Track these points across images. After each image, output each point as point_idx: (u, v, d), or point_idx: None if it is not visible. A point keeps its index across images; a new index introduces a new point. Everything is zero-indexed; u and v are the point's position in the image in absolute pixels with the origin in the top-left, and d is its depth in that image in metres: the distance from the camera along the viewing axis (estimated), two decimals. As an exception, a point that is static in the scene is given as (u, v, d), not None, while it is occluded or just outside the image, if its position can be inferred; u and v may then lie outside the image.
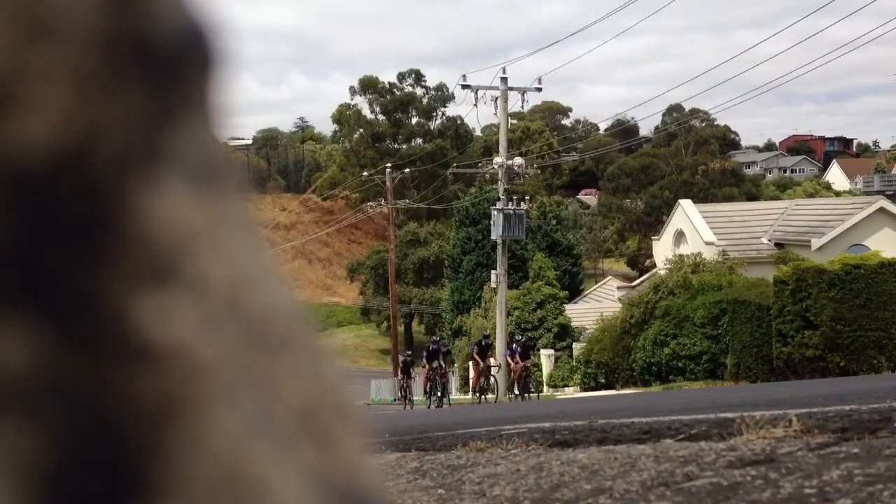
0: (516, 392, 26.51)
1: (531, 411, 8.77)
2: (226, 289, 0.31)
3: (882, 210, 28.75)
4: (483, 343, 27.92)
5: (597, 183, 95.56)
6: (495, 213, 29.64)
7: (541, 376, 30.60)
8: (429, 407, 26.80)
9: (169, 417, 0.29)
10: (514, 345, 27.37)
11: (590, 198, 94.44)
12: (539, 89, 30.62)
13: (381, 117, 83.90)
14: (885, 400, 4.41)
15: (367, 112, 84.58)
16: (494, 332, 29.77)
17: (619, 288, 38.02)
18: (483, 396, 26.99)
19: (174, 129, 0.31)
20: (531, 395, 26.11)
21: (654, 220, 68.22)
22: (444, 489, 3.18)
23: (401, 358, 34.04)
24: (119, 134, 0.30)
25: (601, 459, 3.09)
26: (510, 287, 33.09)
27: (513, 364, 26.91)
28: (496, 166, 30.54)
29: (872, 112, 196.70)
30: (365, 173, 59.82)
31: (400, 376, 32.37)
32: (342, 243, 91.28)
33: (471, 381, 28.32)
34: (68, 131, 0.29)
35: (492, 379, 27.16)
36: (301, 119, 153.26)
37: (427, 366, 27.86)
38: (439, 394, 27.60)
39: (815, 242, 27.96)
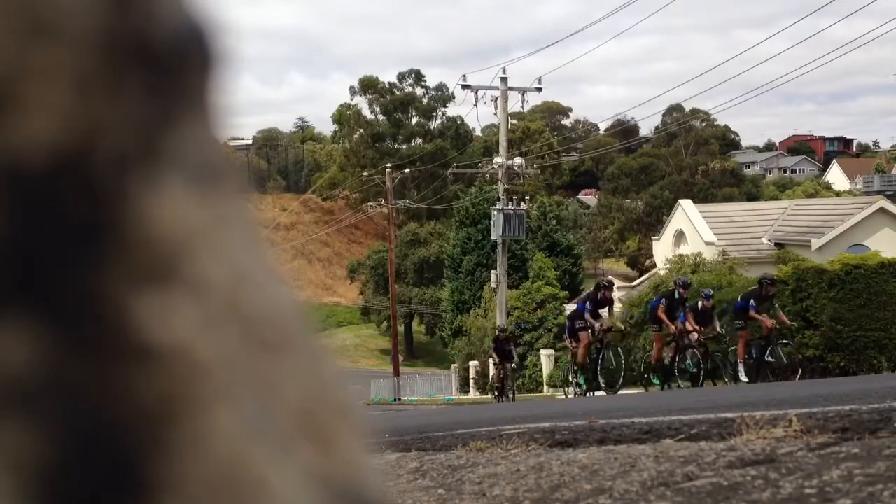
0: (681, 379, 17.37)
1: (531, 411, 8.77)
2: (226, 289, 0.31)
3: (882, 210, 28.80)
4: (679, 294, 17.51)
5: (597, 183, 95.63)
6: (495, 213, 29.64)
7: (541, 376, 30.53)
8: (584, 394, 18.07)
9: (169, 417, 0.29)
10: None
11: (590, 198, 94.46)
12: (539, 89, 30.65)
13: (381, 117, 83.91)
14: (885, 400, 4.41)
15: (367, 112, 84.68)
16: (495, 333, 29.60)
17: (619, 288, 38.03)
18: (671, 383, 17.62)
19: (174, 129, 0.31)
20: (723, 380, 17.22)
21: (654, 220, 68.25)
22: (444, 489, 3.18)
23: (496, 333, 24.54)
24: (119, 134, 0.30)
25: (601, 459, 3.09)
26: (510, 287, 33.10)
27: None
28: (496, 166, 30.56)
29: (872, 112, 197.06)
30: (365, 173, 59.83)
31: (495, 359, 23.48)
32: (342, 243, 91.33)
33: (652, 356, 18.12)
34: (68, 131, 0.29)
35: (689, 354, 17.36)
36: (301, 119, 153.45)
37: (590, 326, 17.66)
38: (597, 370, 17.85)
39: (815, 242, 28.01)
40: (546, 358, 31.19)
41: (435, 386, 40.08)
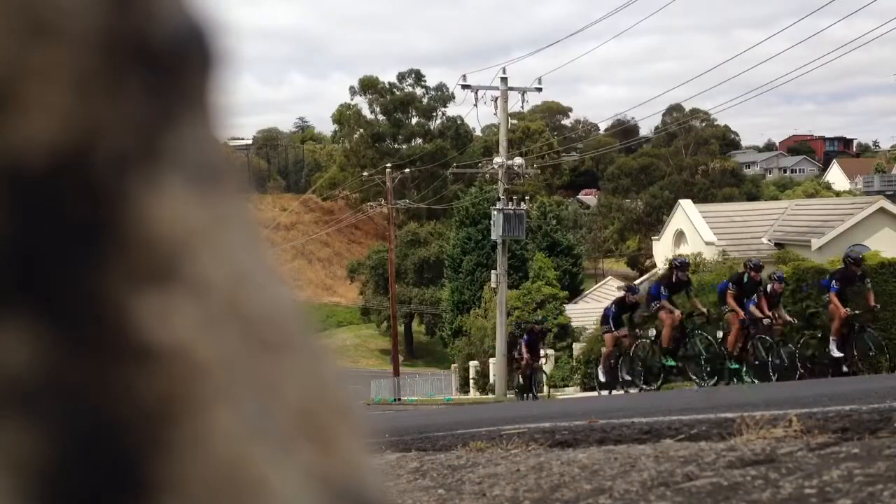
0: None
1: (531, 411, 8.78)
2: (226, 289, 0.31)
3: (882, 210, 28.79)
4: (749, 278, 15.35)
5: (597, 183, 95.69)
6: (495, 213, 29.63)
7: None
8: (665, 377, 16.08)
9: (169, 417, 0.29)
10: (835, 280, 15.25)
11: (590, 198, 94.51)
12: (539, 89, 30.62)
13: (381, 117, 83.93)
14: (885, 400, 4.41)
15: (367, 112, 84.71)
16: (494, 333, 29.57)
17: (619, 288, 38.06)
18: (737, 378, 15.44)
19: (174, 129, 0.31)
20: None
21: (654, 220, 68.29)
22: (444, 489, 3.18)
23: (523, 325, 22.62)
24: (119, 134, 0.30)
25: (601, 459, 3.09)
26: (510, 287, 33.07)
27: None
28: (496, 166, 30.54)
29: (872, 112, 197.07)
30: (365, 173, 59.84)
31: (522, 352, 21.47)
32: (342, 243, 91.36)
33: (728, 342, 15.65)
34: (68, 131, 0.29)
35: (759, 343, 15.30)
36: (301, 119, 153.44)
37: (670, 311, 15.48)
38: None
39: (815, 242, 28.00)
40: (546, 358, 31.17)
41: (435, 386, 40.08)
